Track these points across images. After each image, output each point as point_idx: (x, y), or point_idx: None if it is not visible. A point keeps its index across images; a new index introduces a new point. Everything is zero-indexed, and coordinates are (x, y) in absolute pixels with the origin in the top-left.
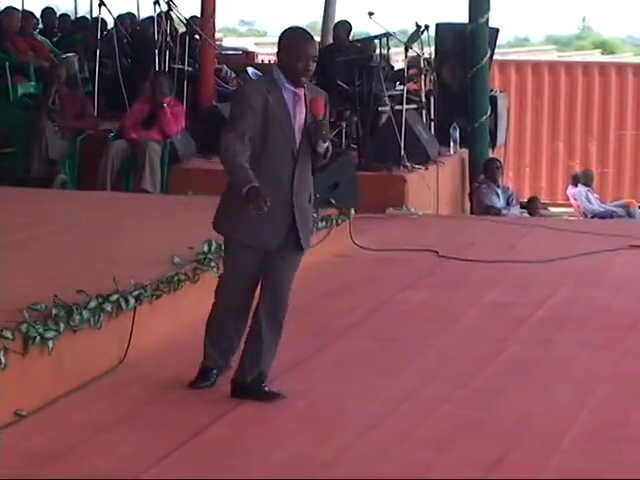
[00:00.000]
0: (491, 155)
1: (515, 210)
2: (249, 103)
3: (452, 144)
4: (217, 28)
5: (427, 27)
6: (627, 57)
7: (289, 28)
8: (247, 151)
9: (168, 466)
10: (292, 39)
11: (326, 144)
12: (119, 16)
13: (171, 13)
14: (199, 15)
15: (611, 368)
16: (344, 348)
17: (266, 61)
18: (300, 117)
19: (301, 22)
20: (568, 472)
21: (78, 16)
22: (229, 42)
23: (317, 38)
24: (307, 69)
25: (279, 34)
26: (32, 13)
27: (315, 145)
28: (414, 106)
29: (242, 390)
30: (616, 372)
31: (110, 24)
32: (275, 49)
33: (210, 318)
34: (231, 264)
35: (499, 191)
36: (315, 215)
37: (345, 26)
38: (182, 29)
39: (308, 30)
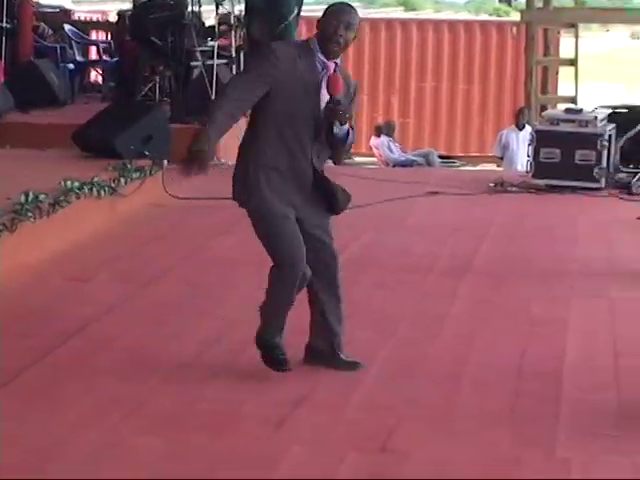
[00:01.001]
0: None
1: None
2: (271, 62)
3: None
4: None
5: None
6: (427, 13)
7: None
8: (236, 112)
9: None
10: (329, 8)
11: (345, 127)
12: None
13: None
14: None
15: (410, 308)
16: (156, 293)
17: (82, 18)
18: (325, 90)
19: None
20: (369, 408)
21: None
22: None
23: None
24: (337, 34)
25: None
26: None
27: (332, 126)
28: (225, 61)
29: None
30: (415, 311)
31: None
32: (90, 12)
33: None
34: (272, 227)
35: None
36: None
37: None
38: None
39: None
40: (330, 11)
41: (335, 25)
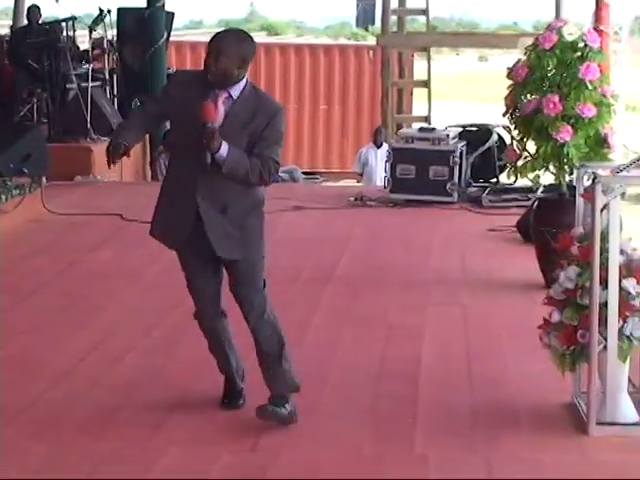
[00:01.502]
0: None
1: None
2: (168, 89)
3: None
4: None
5: (109, 11)
6: (289, 38)
7: None
8: (142, 120)
9: None
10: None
11: (220, 152)
12: None
13: None
14: None
15: None
16: (36, 305)
17: None
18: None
19: None
20: (238, 410)
21: None
22: None
23: (9, 22)
24: (207, 63)
25: None
26: None
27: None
28: (99, 83)
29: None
30: (280, 319)
31: None
32: None
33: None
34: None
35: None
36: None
37: (35, 10)
38: None
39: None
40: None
41: (206, 54)
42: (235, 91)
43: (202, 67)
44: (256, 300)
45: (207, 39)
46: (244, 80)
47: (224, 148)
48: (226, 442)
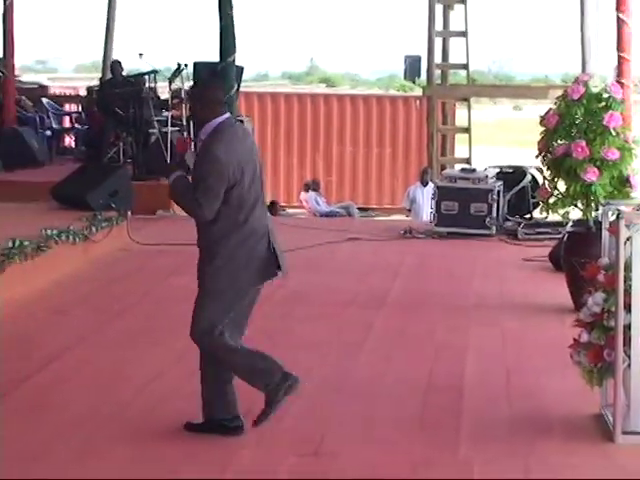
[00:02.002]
0: None
1: None
2: None
3: None
4: (16, 67)
5: (186, 65)
6: (345, 89)
7: None
8: None
9: None
10: None
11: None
12: None
13: None
14: (1, 55)
15: (334, 336)
16: (121, 325)
17: (57, 93)
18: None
19: (85, 61)
20: (305, 418)
21: None
22: (27, 78)
23: (98, 74)
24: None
25: None
26: None
27: None
28: (177, 128)
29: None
30: (338, 339)
31: None
32: (64, 87)
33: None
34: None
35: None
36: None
37: (116, 65)
38: None
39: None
40: None
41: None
42: (202, 134)
43: (267, 115)
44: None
45: (272, 90)
46: (213, 122)
47: (172, 175)
48: (292, 446)
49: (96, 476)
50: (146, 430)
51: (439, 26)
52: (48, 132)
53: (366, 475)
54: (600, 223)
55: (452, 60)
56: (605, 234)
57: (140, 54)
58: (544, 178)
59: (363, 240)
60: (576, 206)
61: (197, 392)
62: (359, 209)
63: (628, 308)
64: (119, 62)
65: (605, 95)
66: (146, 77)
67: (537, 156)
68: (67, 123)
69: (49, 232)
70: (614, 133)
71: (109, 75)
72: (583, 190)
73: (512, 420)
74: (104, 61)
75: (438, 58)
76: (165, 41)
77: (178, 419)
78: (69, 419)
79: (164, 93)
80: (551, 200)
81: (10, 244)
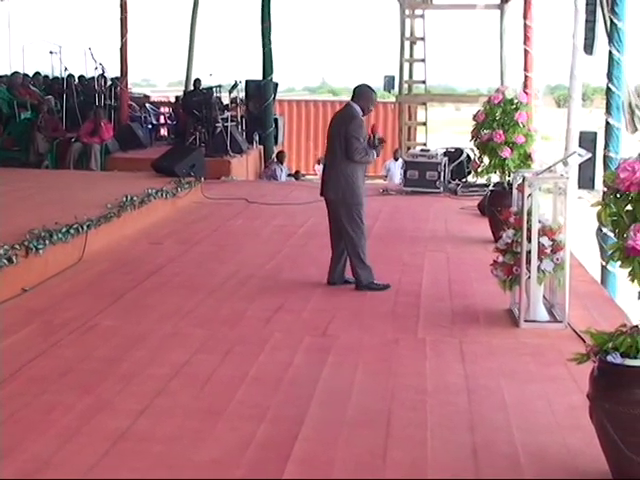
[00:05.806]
0: (276, 149)
1: (288, 177)
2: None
3: (255, 143)
4: (129, 83)
5: (240, 81)
6: (345, 98)
7: (364, 84)
8: None
9: (106, 315)
10: (368, 92)
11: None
12: (80, 76)
13: (104, 74)
14: (119, 75)
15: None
16: (198, 250)
17: (156, 99)
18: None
19: (174, 79)
20: (316, 311)
21: (54, 75)
22: (136, 90)
23: (182, 88)
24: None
25: (355, 86)
26: (27, 74)
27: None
28: (234, 123)
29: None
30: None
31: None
32: (160, 96)
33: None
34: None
35: (282, 167)
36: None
37: (198, 81)
38: (109, 82)
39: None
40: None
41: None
42: None
43: (293, 115)
44: None
45: (296, 98)
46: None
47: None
48: (307, 330)
49: (175, 348)
50: (213, 320)
51: (407, 55)
52: (149, 126)
53: (357, 348)
54: (511, 184)
55: (415, 78)
56: (515, 192)
57: (210, 74)
58: (475, 155)
59: None
60: (496, 173)
61: (251, 292)
62: None
63: (529, 239)
64: (199, 79)
65: (516, 100)
66: (214, 89)
67: (470, 140)
68: (162, 120)
69: (150, 191)
70: (521, 125)
71: (190, 88)
72: (500, 163)
73: (452, 313)
74: (186, 79)
75: (406, 76)
76: (226, 63)
77: (233, 311)
78: (165, 312)
79: (226, 99)
80: (479, 169)
81: (124, 199)
